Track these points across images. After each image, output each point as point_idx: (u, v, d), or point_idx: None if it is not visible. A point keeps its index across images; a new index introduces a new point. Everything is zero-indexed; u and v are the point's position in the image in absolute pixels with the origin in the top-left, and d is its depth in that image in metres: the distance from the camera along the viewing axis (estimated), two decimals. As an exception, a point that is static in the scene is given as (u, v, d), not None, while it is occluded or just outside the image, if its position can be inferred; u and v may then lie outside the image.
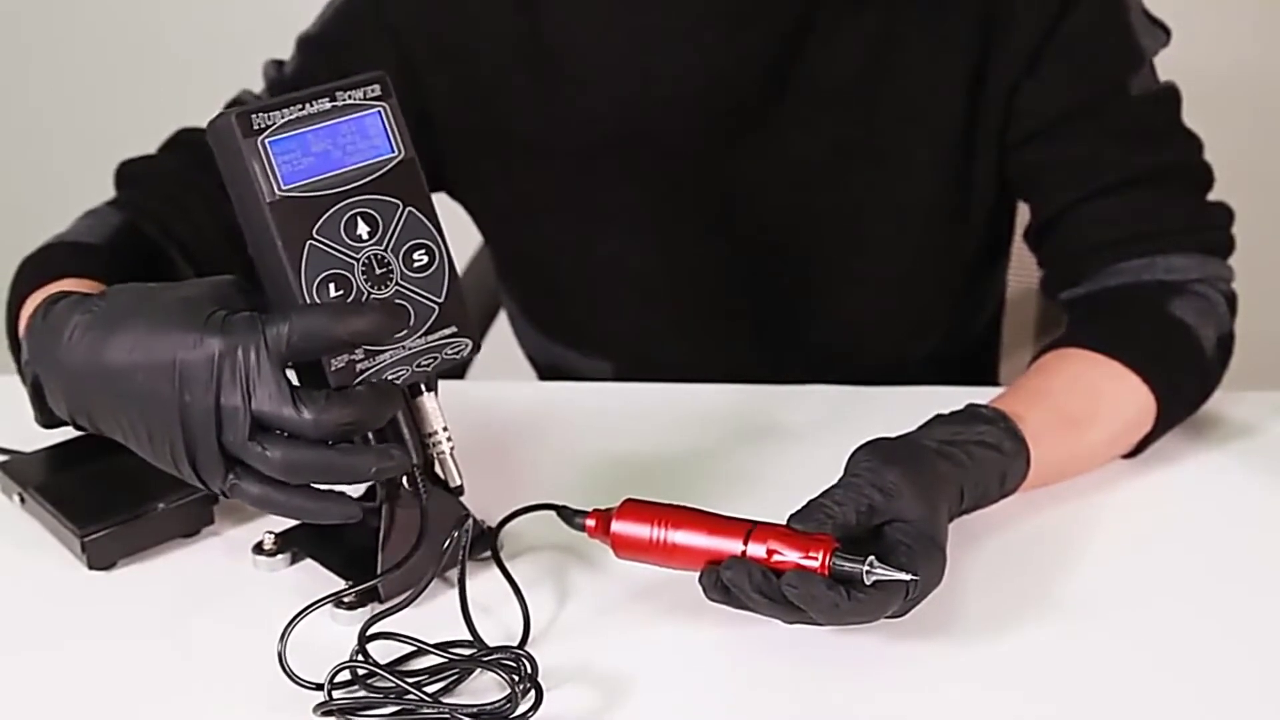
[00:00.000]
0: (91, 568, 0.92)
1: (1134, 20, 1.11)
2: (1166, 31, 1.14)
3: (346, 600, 0.86)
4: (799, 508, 0.83)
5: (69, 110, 2.41)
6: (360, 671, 0.81)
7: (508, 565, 0.90)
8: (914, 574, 0.79)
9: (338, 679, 0.80)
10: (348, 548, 0.91)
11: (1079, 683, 0.82)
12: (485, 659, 0.82)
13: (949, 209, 1.17)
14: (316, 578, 0.90)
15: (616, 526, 0.86)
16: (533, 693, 0.78)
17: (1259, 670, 0.83)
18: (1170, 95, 1.12)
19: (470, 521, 0.87)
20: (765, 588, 0.79)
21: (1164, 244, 1.07)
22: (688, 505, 0.86)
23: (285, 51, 1.21)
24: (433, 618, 0.86)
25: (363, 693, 0.80)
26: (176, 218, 1.08)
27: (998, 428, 0.92)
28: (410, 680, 0.79)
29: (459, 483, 0.86)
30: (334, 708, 0.78)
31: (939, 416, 0.93)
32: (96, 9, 2.33)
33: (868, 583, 0.79)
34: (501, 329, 1.38)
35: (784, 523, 0.83)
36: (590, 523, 0.88)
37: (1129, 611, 0.87)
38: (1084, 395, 1.00)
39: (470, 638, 0.84)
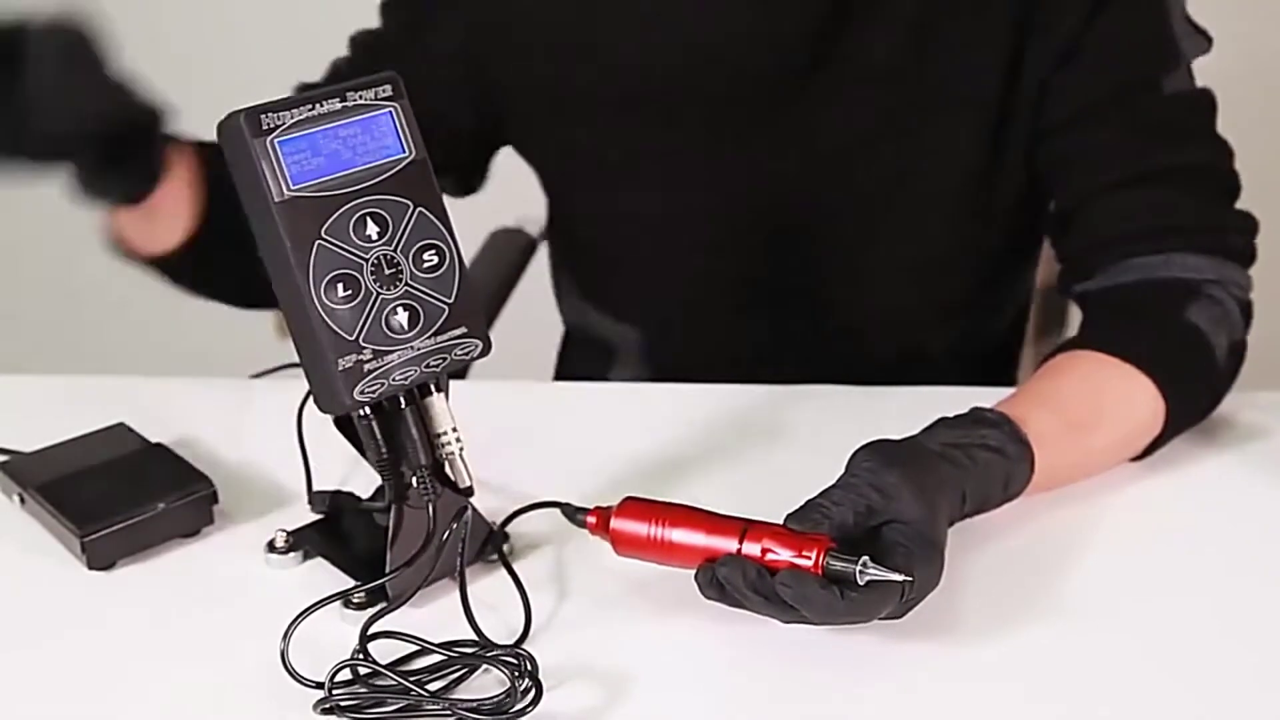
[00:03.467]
0: (91, 568, 0.91)
1: (1174, 22, 1.11)
2: (1208, 39, 1.14)
3: (355, 600, 0.86)
4: (796, 508, 0.83)
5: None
6: (362, 670, 0.81)
7: (511, 563, 0.91)
8: (909, 575, 0.80)
9: (339, 677, 0.80)
10: (358, 547, 0.91)
11: (1082, 684, 0.82)
12: (486, 655, 0.82)
13: (975, 198, 1.17)
14: (321, 577, 0.90)
15: (615, 524, 0.86)
16: (533, 690, 0.78)
17: (1264, 671, 0.83)
18: (1205, 100, 1.12)
19: (469, 513, 0.87)
20: (759, 586, 0.80)
21: (1181, 242, 1.07)
22: (686, 504, 0.86)
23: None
24: (436, 616, 0.86)
25: (365, 690, 0.80)
26: None
27: (1002, 431, 0.92)
28: (411, 678, 0.80)
29: (468, 483, 0.86)
30: (334, 704, 0.78)
31: (943, 419, 0.93)
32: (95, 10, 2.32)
33: (861, 583, 0.79)
34: (503, 327, 1.38)
35: (780, 522, 0.83)
36: (591, 520, 0.88)
37: (1133, 613, 0.88)
38: (1091, 398, 1.00)
39: (473, 635, 0.84)
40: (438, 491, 0.85)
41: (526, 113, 1.21)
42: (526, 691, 0.78)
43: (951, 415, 0.93)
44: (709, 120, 1.16)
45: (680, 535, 0.84)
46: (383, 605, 0.84)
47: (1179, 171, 1.09)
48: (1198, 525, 0.97)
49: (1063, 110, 1.12)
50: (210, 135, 0.81)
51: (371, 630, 0.82)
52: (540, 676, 0.79)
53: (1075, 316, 1.16)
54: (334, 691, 0.79)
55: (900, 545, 0.81)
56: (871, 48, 1.12)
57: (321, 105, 0.80)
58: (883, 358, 1.14)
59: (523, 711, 0.78)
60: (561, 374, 1.40)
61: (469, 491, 0.87)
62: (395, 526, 0.86)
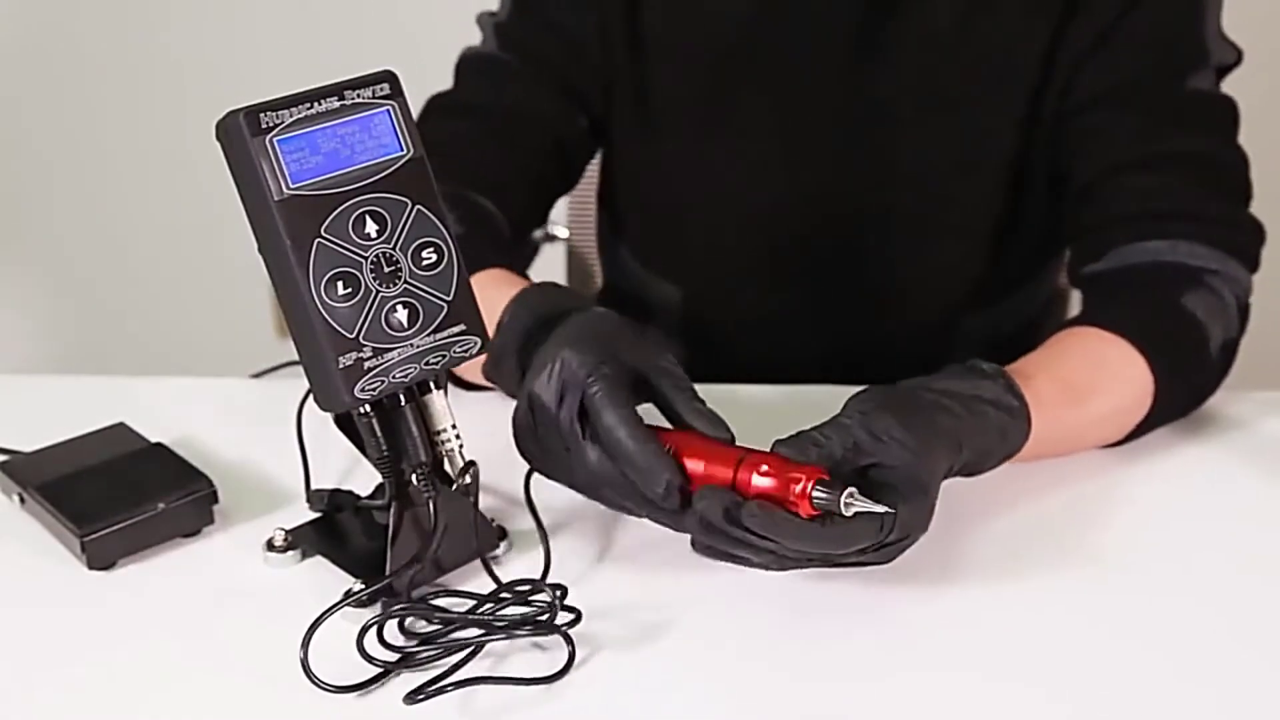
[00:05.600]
0: (91, 568, 0.91)
1: (1208, 27, 1.13)
2: (1238, 54, 1.16)
3: (362, 599, 0.86)
4: (787, 436, 0.84)
5: (66, 108, 2.41)
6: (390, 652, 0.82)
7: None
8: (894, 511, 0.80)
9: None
10: (356, 545, 0.91)
11: (1081, 675, 0.82)
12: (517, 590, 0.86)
13: (1009, 175, 1.20)
14: (321, 575, 0.90)
15: None
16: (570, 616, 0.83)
17: (1246, 658, 0.84)
18: (1227, 104, 1.14)
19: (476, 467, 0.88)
20: (733, 515, 0.80)
21: (1190, 230, 1.08)
22: (691, 432, 0.87)
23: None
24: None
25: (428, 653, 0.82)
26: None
27: (996, 384, 0.92)
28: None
29: (467, 480, 0.86)
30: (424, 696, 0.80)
31: (941, 369, 0.93)
32: (94, 11, 2.33)
33: (847, 514, 0.79)
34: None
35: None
36: None
37: (1126, 603, 0.89)
38: (1088, 368, 1.01)
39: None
40: (437, 488, 0.86)
41: (612, 62, 1.23)
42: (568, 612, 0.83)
43: (951, 366, 0.94)
44: (778, 76, 1.19)
45: (687, 464, 0.85)
46: (396, 606, 0.85)
47: (1192, 159, 1.10)
48: (1192, 520, 0.97)
49: (1087, 92, 1.14)
50: (210, 135, 0.81)
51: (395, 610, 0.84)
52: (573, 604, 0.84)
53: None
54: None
55: (888, 485, 0.82)
56: (925, 21, 1.15)
57: (320, 104, 0.80)
58: (913, 334, 1.15)
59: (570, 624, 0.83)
60: None
61: (468, 489, 0.87)
62: (395, 524, 0.86)
